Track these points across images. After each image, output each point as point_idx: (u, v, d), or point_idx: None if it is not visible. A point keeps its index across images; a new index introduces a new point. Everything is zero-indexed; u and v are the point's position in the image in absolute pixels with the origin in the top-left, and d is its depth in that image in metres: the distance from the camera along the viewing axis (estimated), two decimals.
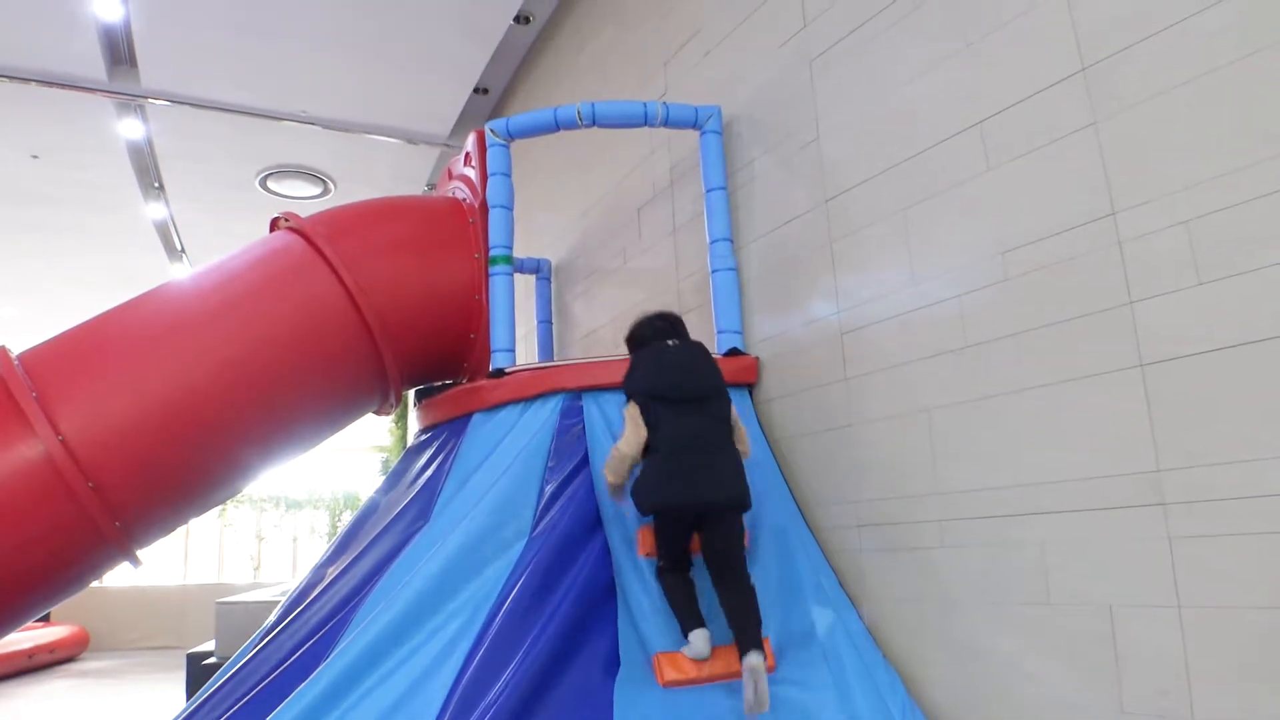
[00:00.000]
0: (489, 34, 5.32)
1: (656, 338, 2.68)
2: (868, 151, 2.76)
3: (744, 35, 3.43)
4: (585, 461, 2.81)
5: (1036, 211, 2.20)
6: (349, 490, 12.88)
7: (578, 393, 3.01)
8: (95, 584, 4.65)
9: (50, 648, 9.78)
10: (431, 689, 2.34)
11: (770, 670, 2.31)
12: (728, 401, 2.59)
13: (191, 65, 5.38)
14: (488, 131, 3.44)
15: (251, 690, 2.57)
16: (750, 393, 3.20)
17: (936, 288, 2.48)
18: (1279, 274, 1.72)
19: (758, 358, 3.21)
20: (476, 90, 5.97)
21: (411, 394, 3.90)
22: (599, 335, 4.42)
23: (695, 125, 3.40)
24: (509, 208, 3.40)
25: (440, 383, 3.66)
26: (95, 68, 5.23)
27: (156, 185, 6.86)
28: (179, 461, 2.79)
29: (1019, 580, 2.20)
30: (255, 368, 2.90)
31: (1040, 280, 2.18)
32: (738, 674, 2.33)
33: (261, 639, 2.90)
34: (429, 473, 3.13)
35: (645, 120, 3.35)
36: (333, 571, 3.01)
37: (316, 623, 2.73)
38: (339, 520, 12.73)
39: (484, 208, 3.44)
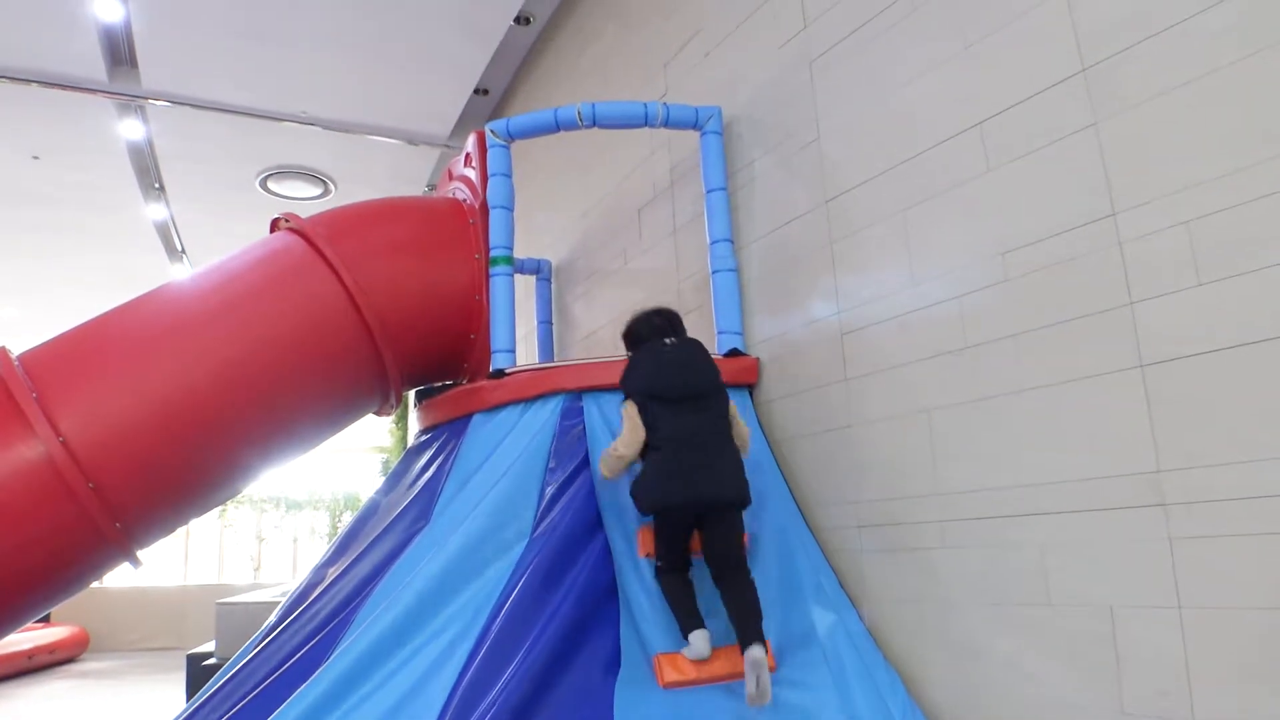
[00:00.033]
0: (489, 35, 5.32)
1: (654, 335, 2.68)
2: (868, 152, 2.76)
3: (744, 36, 3.43)
4: (586, 462, 2.81)
5: (1037, 212, 2.20)
6: (349, 491, 12.88)
7: (578, 393, 3.01)
8: (95, 585, 4.65)
9: (50, 648, 9.78)
10: (432, 690, 2.34)
11: (771, 670, 2.31)
12: (726, 399, 2.60)
13: (192, 66, 5.38)
14: (488, 132, 3.44)
15: (252, 691, 2.57)
16: (750, 393, 3.20)
17: (936, 288, 2.48)
18: (1279, 274, 1.71)
19: (758, 358, 3.21)
20: (477, 91, 5.97)
21: (412, 395, 3.90)
22: (599, 336, 4.42)
23: (696, 126, 3.40)
24: (509, 208, 3.40)
25: (440, 383, 3.66)
26: (96, 68, 5.23)
27: (157, 186, 6.86)
28: (179, 462, 2.79)
29: (1019, 581, 2.20)
30: (255, 368, 2.90)
31: (1040, 281, 2.18)
32: (738, 675, 2.34)
33: (262, 640, 2.90)
34: (429, 473, 3.13)
35: (646, 121, 3.35)
36: (333, 572, 3.01)
37: (317, 624, 2.73)
38: (339, 521, 12.73)
39: (484, 208, 3.44)
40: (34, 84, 5.28)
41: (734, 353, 3.20)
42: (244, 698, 2.56)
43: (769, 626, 2.43)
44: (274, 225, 3.44)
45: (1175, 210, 1.89)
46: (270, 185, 7.10)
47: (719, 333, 3.25)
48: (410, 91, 5.88)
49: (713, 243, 3.32)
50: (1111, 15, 2.04)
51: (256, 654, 2.78)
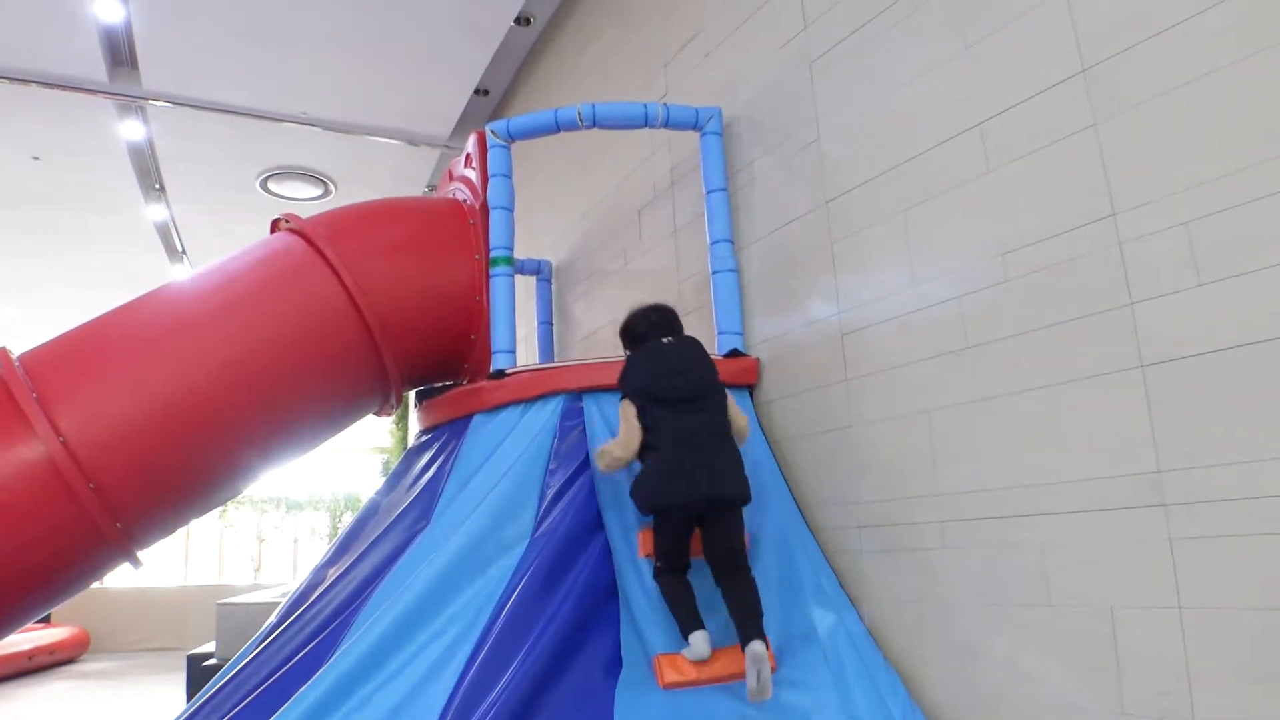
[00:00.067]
0: (490, 35, 5.32)
1: (652, 333, 2.69)
2: (868, 153, 2.76)
3: (745, 37, 3.43)
4: (586, 463, 2.81)
5: (1037, 213, 2.20)
6: (350, 492, 12.88)
7: (578, 394, 3.01)
8: (96, 585, 4.66)
9: (50, 649, 9.78)
10: (433, 691, 2.34)
11: (772, 669, 2.31)
12: (724, 396, 2.61)
13: (192, 67, 5.39)
14: (488, 133, 3.44)
15: (253, 692, 2.57)
16: (751, 394, 3.20)
17: (937, 289, 2.48)
18: (1279, 275, 1.71)
19: (758, 359, 3.21)
20: (477, 92, 5.97)
21: (412, 395, 3.90)
22: (599, 336, 4.42)
23: (696, 126, 3.40)
24: (509, 209, 3.40)
25: (441, 384, 3.66)
26: (96, 69, 5.23)
27: (157, 186, 6.87)
28: (180, 462, 2.79)
29: (1019, 581, 2.19)
30: (256, 369, 2.90)
31: (1040, 281, 2.18)
32: (738, 675, 2.34)
33: (262, 641, 2.90)
34: (430, 474, 3.13)
35: (646, 121, 3.36)
36: (334, 573, 3.01)
37: (318, 625, 2.73)
38: (339, 522, 12.73)
39: (484, 209, 3.44)
40: (34, 84, 5.28)
41: (734, 353, 3.20)
42: (244, 698, 2.56)
43: (769, 627, 2.43)
44: (274, 226, 3.44)
45: (1175, 211, 1.89)
46: (271, 186, 7.10)
47: (719, 333, 3.25)
48: (410, 92, 5.88)
49: (713, 243, 3.33)
50: (1111, 15, 2.04)
51: (257, 655, 2.78)
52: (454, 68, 5.63)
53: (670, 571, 2.49)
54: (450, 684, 2.34)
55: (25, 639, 9.16)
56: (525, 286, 4.80)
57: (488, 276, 3.35)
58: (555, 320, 4.95)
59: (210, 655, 5.06)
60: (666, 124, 3.37)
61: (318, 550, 12.37)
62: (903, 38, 2.65)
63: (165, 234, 7.72)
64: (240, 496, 9.72)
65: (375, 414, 3.49)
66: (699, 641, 2.37)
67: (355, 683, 2.35)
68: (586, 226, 4.67)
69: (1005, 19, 2.31)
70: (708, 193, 3.36)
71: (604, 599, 2.58)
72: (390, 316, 3.16)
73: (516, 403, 3.06)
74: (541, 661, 2.33)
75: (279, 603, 3.59)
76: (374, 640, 2.43)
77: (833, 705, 2.35)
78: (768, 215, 3.23)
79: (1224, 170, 1.81)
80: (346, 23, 5.09)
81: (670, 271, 3.82)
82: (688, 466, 2.45)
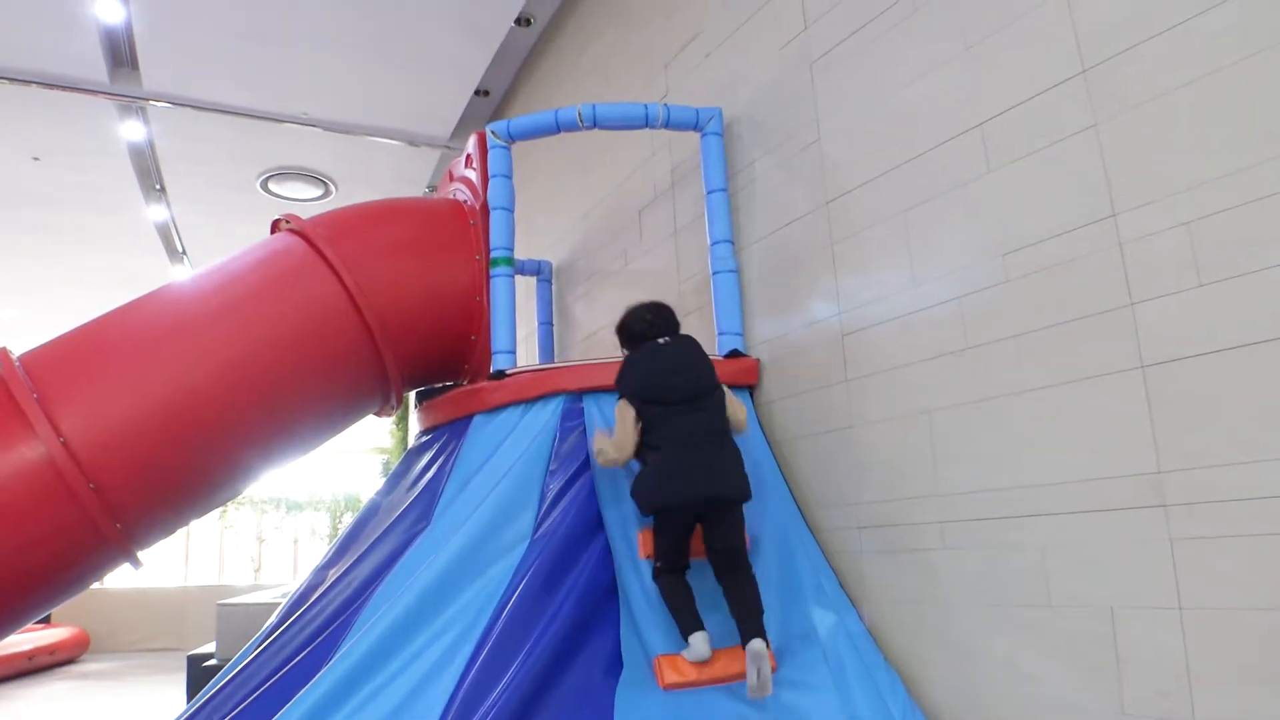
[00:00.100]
0: (490, 36, 5.33)
1: (648, 332, 2.69)
2: (868, 153, 2.76)
3: (745, 37, 3.43)
4: (587, 464, 2.81)
5: (1037, 213, 2.20)
6: (350, 492, 12.87)
7: (579, 394, 3.01)
8: (96, 585, 4.66)
9: (50, 649, 9.78)
10: (434, 692, 2.34)
11: (772, 669, 2.31)
12: (722, 394, 2.62)
13: (193, 67, 5.39)
14: (489, 133, 3.45)
15: (253, 693, 2.57)
16: (751, 394, 3.20)
17: (937, 289, 2.48)
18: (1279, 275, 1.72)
19: (758, 359, 3.21)
20: (477, 92, 5.97)
21: (412, 395, 3.90)
22: (600, 337, 4.42)
23: (696, 127, 3.40)
24: (510, 209, 3.40)
25: (441, 384, 3.66)
26: (97, 70, 5.23)
27: (158, 187, 6.87)
28: (180, 463, 2.79)
29: (1019, 582, 2.19)
30: (256, 369, 2.90)
31: (1041, 282, 2.18)
32: (738, 676, 2.34)
33: (263, 641, 2.90)
34: (430, 475, 3.13)
35: (646, 122, 3.36)
36: (334, 574, 3.01)
37: (318, 625, 2.73)
38: (340, 522, 12.73)
39: (485, 209, 3.44)
40: (35, 85, 5.29)
41: (734, 354, 3.20)
42: (245, 699, 2.56)
43: (770, 627, 2.43)
44: (275, 226, 3.44)
45: (1176, 211, 1.89)
46: (271, 186, 7.10)
47: (719, 334, 3.25)
48: (411, 93, 5.89)
49: (713, 244, 3.33)
50: (1112, 16, 2.04)
51: (257, 655, 2.78)
52: (454, 68, 5.63)
53: (670, 572, 2.49)
54: (451, 684, 2.34)
55: (25, 639, 9.15)
56: (525, 287, 4.80)
57: (488, 277, 3.35)
58: (556, 321, 4.95)
59: (210, 656, 5.06)
60: (667, 124, 3.37)
61: (318, 551, 12.37)
62: (903, 38, 2.65)
63: (166, 234, 7.72)
64: (240, 497, 9.72)
65: (376, 414, 3.49)
66: (699, 642, 2.38)
67: (356, 683, 2.35)
68: (587, 227, 4.67)
69: (1006, 19, 2.31)
70: (708, 193, 3.36)
71: (604, 600, 2.58)
72: (391, 317, 3.16)
73: (517, 403, 3.06)
74: (542, 662, 2.33)
75: (279, 603, 3.59)
76: (375, 641, 2.42)
77: (833, 705, 2.35)
78: (768, 216, 3.23)
79: (1225, 170, 1.81)
80: (347, 23, 5.09)
81: (671, 272, 3.82)
82: (687, 466, 2.45)
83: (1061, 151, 2.15)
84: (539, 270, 4.93)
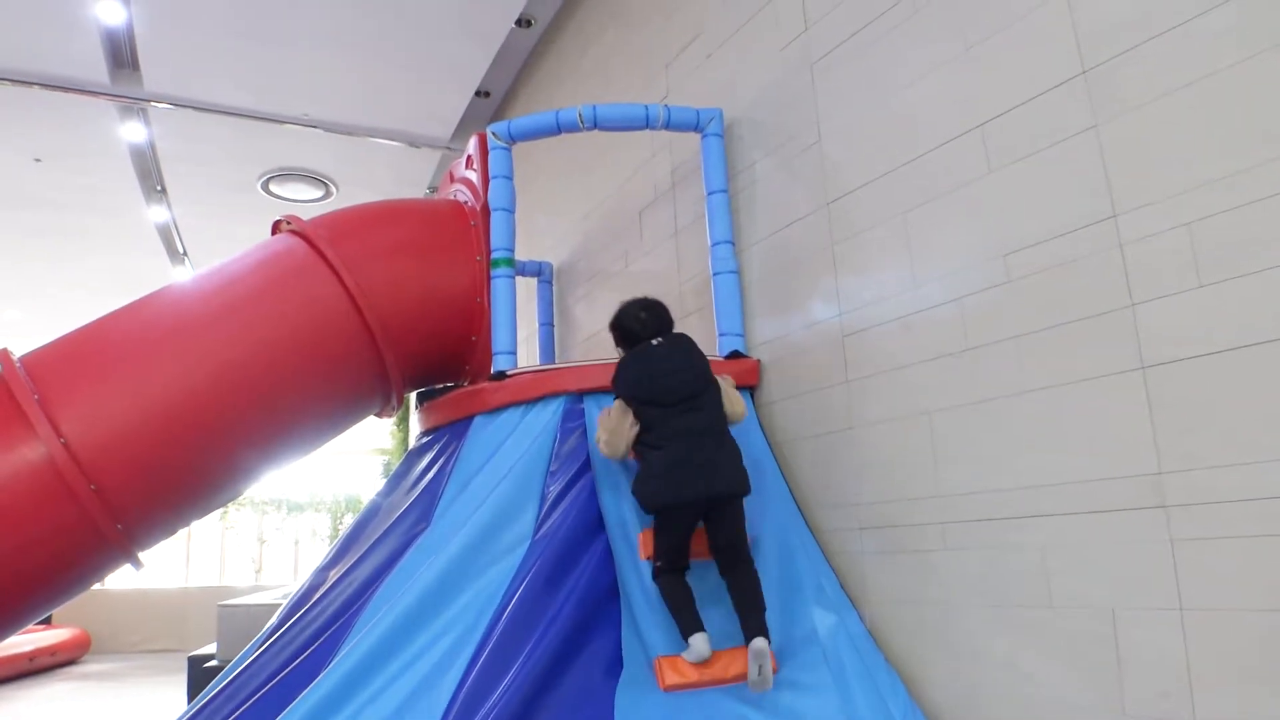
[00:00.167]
0: (490, 37, 5.33)
1: (642, 332, 2.70)
2: (869, 154, 2.76)
3: (745, 38, 3.43)
4: (587, 465, 2.81)
5: (1038, 214, 2.20)
6: (350, 493, 12.87)
7: (579, 395, 3.01)
8: (97, 586, 4.66)
9: (51, 650, 9.78)
10: (435, 693, 2.34)
11: (774, 670, 2.32)
12: (718, 390, 2.62)
13: (194, 68, 5.39)
14: (489, 134, 3.45)
15: (254, 694, 2.57)
16: (751, 395, 3.20)
17: (938, 290, 2.48)
18: None
19: (759, 360, 3.21)
20: (478, 93, 5.97)
21: (413, 396, 3.91)
22: (600, 338, 4.42)
23: (697, 128, 3.40)
24: (510, 210, 3.40)
25: (442, 385, 3.66)
26: (98, 71, 5.24)
27: (159, 188, 6.87)
28: (181, 464, 2.79)
29: (1020, 582, 2.19)
30: (257, 370, 2.90)
31: (1041, 282, 2.18)
32: (738, 677, 2.35)
33: (263, 642, 2.90)
34: (430, 475, 3.13)
35: (647, 123, 3.36)
36: (335, 575, 3.01)
37: (319, 626, 2.73)
38: (340, 523, 12.72)
39: (485, 210, 3.44)
40: (36, 87, 5.29)
41: (735, 354, 3.20)
42: (246, 700, 2.56)
43: (770, 627, 2.43)
44: (275, 227, 3.44)
45: (1176, 212, 1.89)
46: (272, 187, 7.11)
47: (720, 335, 3.25)
48: (411, 94, 5.89)
49: (714, 245, 3.33)
50: (1112, 17, 2.04)
51: (258, 656, 2.78)
52: (455, 69, 5.63)
53: (670, 572, 2.50)
54: (452, 686, 2.34)
55: (26, 640, 9.16)
56: (526, 288, 4.80)
57: (489, 278, 3.35)
58: (556, 322, 4.95)
59: (211, 657, 5.07)
60: (667, 125, 3.37)
61: (318, 552, 12.36)
62: (904, 39, 2.65)
63: (167, 236, 7.73)
64: (241, 498, 9.72)
65: (376, 415, 3.49)
66: (699, 643, 2.38)
67: (357, 685, 2.35)
68: (587, 228, 4.67)
69: (1006, 20, 2.31)
70: (709, 194, 3.36)
71: (605, 600, 2.58)
72: (391, 318, 3.16)
73: (517, 404, 3.06)
74: (542, 663, 2.33)
75: (280, 604, 3.59)
76: (375, 642, 2.42)
77: (833, 706, 2.35)
78: (769, 217, 3.23)
79: (1225, 171, 1.81)
80: (347, 24, 5.10)
81: (671, 273, 3.82)
82: (688, 465, 2.46)
83: (1062, 152, 2.15)
84: (540, 271, 4.93)
